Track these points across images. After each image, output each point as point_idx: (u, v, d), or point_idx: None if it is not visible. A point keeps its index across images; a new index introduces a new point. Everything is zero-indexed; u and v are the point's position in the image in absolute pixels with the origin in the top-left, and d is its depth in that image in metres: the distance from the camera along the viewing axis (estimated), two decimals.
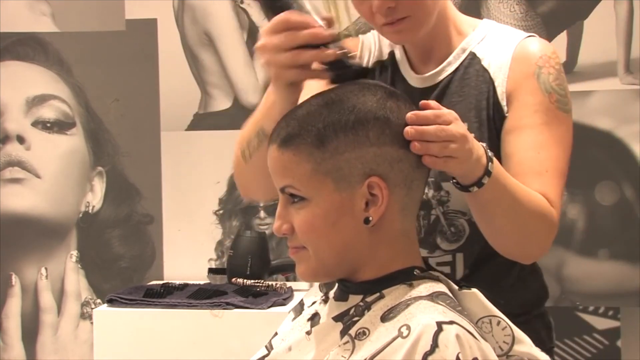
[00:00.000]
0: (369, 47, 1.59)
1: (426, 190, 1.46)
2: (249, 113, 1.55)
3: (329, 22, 1.32)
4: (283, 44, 1.29)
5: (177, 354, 2.38)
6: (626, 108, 2.64)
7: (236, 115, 2.80)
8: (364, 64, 1.54)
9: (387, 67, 1.57)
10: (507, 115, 1.47)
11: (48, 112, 2.91)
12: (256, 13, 2.83)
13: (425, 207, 1.50)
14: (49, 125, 2.91)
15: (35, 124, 2.91)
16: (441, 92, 1.51)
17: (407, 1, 1.41)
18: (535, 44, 1.51)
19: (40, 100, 2.91)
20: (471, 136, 1.29)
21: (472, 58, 1.51)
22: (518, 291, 1.55)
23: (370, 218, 1.22)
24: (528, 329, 1.38)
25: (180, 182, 2.87)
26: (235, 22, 2.85)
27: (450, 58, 1.52)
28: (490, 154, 1.33)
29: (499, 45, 1.51)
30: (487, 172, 1.31)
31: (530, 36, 1.52)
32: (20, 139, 2.91)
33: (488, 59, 1.50)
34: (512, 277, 1.55)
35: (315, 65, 1.32)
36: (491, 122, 1.48)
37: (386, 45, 1.58)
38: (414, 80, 1.54)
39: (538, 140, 1.44)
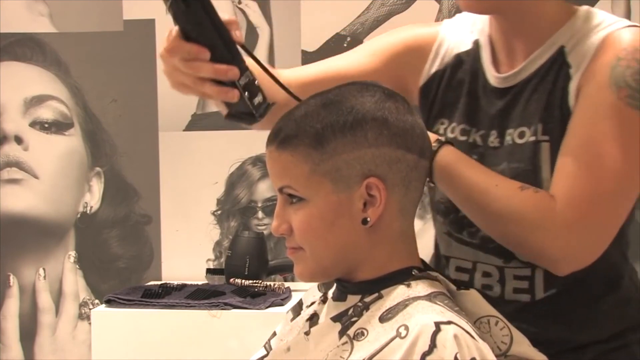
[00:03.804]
0: (447, 42, 1.49)
1: None
2: None
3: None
4: (186, 71, 1.23)
5: (175, 355, 2.38)
6: None
7: None
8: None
9: (463, 61, 1.47)
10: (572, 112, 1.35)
11: (46, 113, 2.91)
12: (254, 13, 2.84)
13: None
14: (47, 125, 2.91)
15: (33, 124, 2.91)
16: (519, 92, 1.40)
17: None
18: (628, 35, 1.34)
19: (38, 100, 2.91)
20: None
21: (560, 52, 1.37)
22: (618, 314, 1.42)
23: (368, 219, 1.22)
24: (622, 355, 1.37)
25: (178, 182, 2.88)
26: None
27: (536, 53, 1.39)
28: (438, 145, 1.33)
29: (589, 38, 1.36)
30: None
31: (628, 26, 1.36)
32: (18, 140, 2.91)
33: (574, 52, 1.36)
34: (612, 298, 1.42)
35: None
36: (565, 122, 1.35)
37: (474, 33, 1.48)
38: (493, 79, 1.43)
39: (585, 137, 1.31)
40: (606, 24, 1.37)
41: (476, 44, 1.47)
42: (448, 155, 1.34)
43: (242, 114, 1.25)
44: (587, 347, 1.42)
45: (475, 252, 1.45)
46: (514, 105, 1.41)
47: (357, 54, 1.52)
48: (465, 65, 1.46)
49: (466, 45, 1.47)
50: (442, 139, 1.37)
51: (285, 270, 2.67)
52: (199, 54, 1.20)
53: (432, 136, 1.35)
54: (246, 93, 1.22)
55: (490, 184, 1.33)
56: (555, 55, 1.38)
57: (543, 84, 1.38)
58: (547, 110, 1.37)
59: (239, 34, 1.22)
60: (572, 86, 1.35)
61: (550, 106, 1.37)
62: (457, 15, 1.53)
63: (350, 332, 1.21)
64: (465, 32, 1.49)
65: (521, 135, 1.39)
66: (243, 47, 1.24)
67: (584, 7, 1.41)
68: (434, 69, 1.49)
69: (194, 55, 1.20)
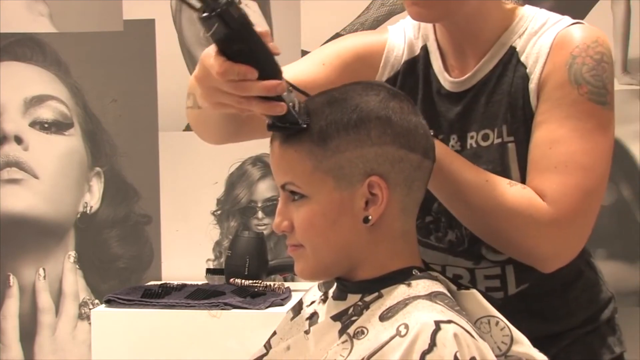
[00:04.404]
0: (395, 49, 1.49)
1: None
2: None
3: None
4: (233, 92, 1.18)
5: (175, 355, 2.37)
6: (624, 108, 2.64)
7: None
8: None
9: (413, 67, 1.47)
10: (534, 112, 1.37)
11: (46, 113, 2.91)
12: (254, 13, 2.83)
13: None
14: (46, 125, 2.91)
15: (33, 124, 2.91)
16: (476, 95, 1.41)
17: None
18: (578, 32, 1.37)
19: (38, 100, 2.91)
20: None
21: (512, 53, 1.40)
22: (587, 298, 1.50)
23: (370, 217, 1.22)
24: (595, 337, 1.40)
25: (178, 182, 2.87)
26: None
27: (487, 56, 1.41)
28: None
29: (540, 37, 1.39)
30: None
31: (575, 23, 1.39)
32: (18, 140, 2.91)
33: (527, 52, 1.39)
34: (577, 288, 1.49)
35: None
36: (528, 122, 1.37)
37: (419, 39, 1.48)
38: (447, 84, 1.44)
39: (554, 135, 1.33)
40: (551, 22, 1.40)
41: (424, 50, 1.47)
42: (435, 149, 1.34)
43: (286, 123, 1.22)
44: (563, 335, 1.46)
45: (444, 256, 1.46)
46: (473, 108, 1.42)
47: (306, 64, 1.48)
48: (416, 71, 1.47)
49: (414, 52, 1.48)
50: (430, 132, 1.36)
51: (285, 270, 2.67)
52: (248, 74, 1.14)
53: None
54: (290, 103, 1.19)
55: (480, 180, 1.34)
56: (508, 56, 1.40)
57: (500, 85, 1.40)
58: (509, 111, 1.39)
59: (273, 46, 1.17)
60: (532, 87, 1.37)
61: (512, 107, 1.39)
62: (401, 21, 1.53)
63: (350, 330, 1.21)
64: (411, 38, 1.49)
65: (485, 137, 1.41)
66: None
67: (525, 6, 1.44)
68: (385, 77, 1.48)
69: (243, 75, 1.15)
